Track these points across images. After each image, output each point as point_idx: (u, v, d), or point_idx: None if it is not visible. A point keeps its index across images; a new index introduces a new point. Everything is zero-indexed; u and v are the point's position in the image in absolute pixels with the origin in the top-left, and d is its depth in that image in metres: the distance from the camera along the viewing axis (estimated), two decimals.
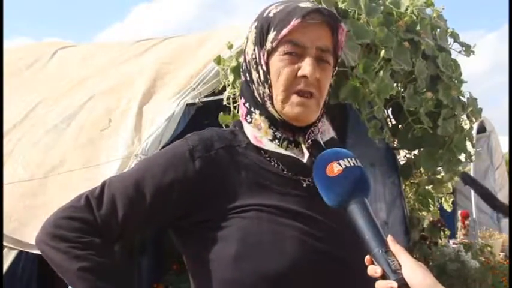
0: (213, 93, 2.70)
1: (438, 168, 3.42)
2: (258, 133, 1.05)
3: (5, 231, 2.28)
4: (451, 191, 4.46)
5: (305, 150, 1.03)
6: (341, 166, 0.94)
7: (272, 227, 0.97)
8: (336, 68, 1.10)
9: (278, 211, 0.98)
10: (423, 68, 2.86)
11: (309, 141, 1.05)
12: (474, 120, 3.32)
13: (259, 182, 1.01)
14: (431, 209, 4.28)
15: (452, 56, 3.15)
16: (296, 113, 1.01)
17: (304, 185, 1.03)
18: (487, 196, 6.10)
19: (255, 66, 1.05)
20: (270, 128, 1.04)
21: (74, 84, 3.25)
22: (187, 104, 2.59)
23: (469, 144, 3.24)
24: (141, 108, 2.70)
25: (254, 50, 1.05)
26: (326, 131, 1.11)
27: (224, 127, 1.88)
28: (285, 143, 1.04)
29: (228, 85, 2.49)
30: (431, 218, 4.61)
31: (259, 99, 1.05)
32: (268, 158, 1.04)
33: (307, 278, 0.95)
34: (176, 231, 1.05)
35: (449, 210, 4.81)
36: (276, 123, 1.04)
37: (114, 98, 2.87)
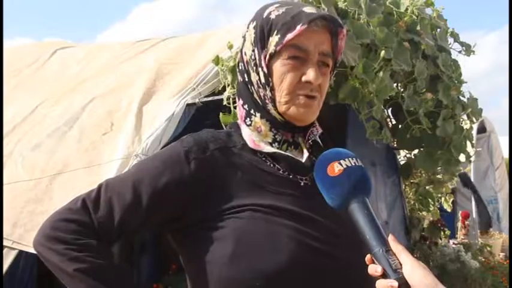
0: (213, 93, 2.70)
1: (438, 169, 3.42)
2: (256, 137, 1.05)
3: (11, 238, 2.27)
4: (451, 191, 4.47)
5: (304, 150, 1.05)
6: (342, 166, 0.94)
7: (268, 227, 0.97)
8: (335, 71, 1.11)
9: (274, 211, 0.99)
10: (423, 68, 2.86)
11: (309, 141, 1.06)
12: (474, 120, 3.32)
13: (254, 182, 1.02)
14: (431, 209, 4.29)
15: (453, 56, 3.15)
16: (301, 113, 1.02)
17: (302, 184, 1.04)
18: (478, 203, 6.23)
19: (254, 67, 1.05)
20: (270, 130, 1.05)
21: (74, 85, 3.25)
22: (187, 104, 2.59)
23: (468, 145, 3.24)
24: (141, 108, 2.70)
25: (253, 51, 1.04)
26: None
27: (225, 127, 1.88)
28: (284, 146, 1.05)
29: (228, 85, 2.49)
30: (431, 218, 4.62)
31: (260, 101, 1.05)
32: (264, 158, 1.05)
33: (303, 276, 0.96)
34: (173, 232, 1.06)
35: (449, 210, 4.82)
36: (277, 125, 1.05)
37: (115, 99, 2.87)
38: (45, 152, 2.64)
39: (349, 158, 0.96)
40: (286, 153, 1.04)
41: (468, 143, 3.23)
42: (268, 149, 1.04)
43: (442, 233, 4.67)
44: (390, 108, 3.27)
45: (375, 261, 0.87)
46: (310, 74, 1.00)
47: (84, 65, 3.60)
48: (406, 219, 4.36)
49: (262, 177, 1.03)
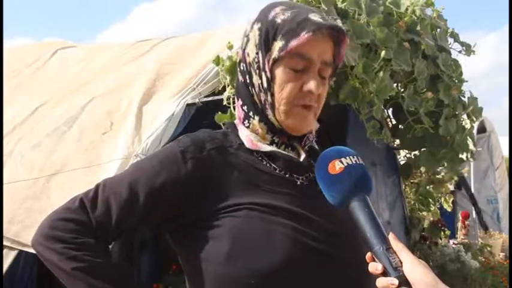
0: (213, 93, 2.70)
1: (439, 168, 3.42)
2: (254, 137, 1.06)
3: (8, 234, 2.27)
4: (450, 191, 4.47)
5: (301, 151, 1.06)
6: (343, 164, 0.94)
7: (264, 225, 0.97)
8: (334, 76, 1.11)
9: (270, 209, 0.99)
10: (423, 68, 2.86)
11: (306, 147, 1.07)
12: (475, 119, 3.32)
13: (251, 181, 1.02)
14: (431, 209, 4.29)
15: (453, 56, 3.15)
16: (296, 125, 1.03)
17: (298, 183, 1.04)
18: (474, 207, 6.25)
19: (257, 70, 1.04)
20: (267, 133, 1.06)
21: (74, 86, 3.25)
22: (187, 104, 2.60)
23: (470, 143, 3.24)
24: (141, 108, 2.71)
25: (257, 53, 1.03)
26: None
27: (222, 126, 1.88)
28: (282, 147, 1.06)
29: (228, 85, 2.49)
30: (431, 218, 4.62)
31: (259, 105, 1.05)
32: (260, 158, 1.05)
33: (299, 274, 0.96)
34: (170, 231, 1.06)
35: (449, 210, 4.82)
36: (274, 130, 1.05)
37: (115, 99, 2.87)
38: (44, 151, 2.65)
39: (350, 156, 0.96)
40: (284, 152, 1.04)
41: (470, 141, 3.23)
42: (266, 147, 1.04)
43: (442, 233, 4.67)
44: (391, 108, 3.27)
45: (376, 259, 0.87)
46: (311, 84, 1.00)
47: (85, 64, 3.61)
48: (406, 219, 4.37)
49: (259, 177, 1.03)
